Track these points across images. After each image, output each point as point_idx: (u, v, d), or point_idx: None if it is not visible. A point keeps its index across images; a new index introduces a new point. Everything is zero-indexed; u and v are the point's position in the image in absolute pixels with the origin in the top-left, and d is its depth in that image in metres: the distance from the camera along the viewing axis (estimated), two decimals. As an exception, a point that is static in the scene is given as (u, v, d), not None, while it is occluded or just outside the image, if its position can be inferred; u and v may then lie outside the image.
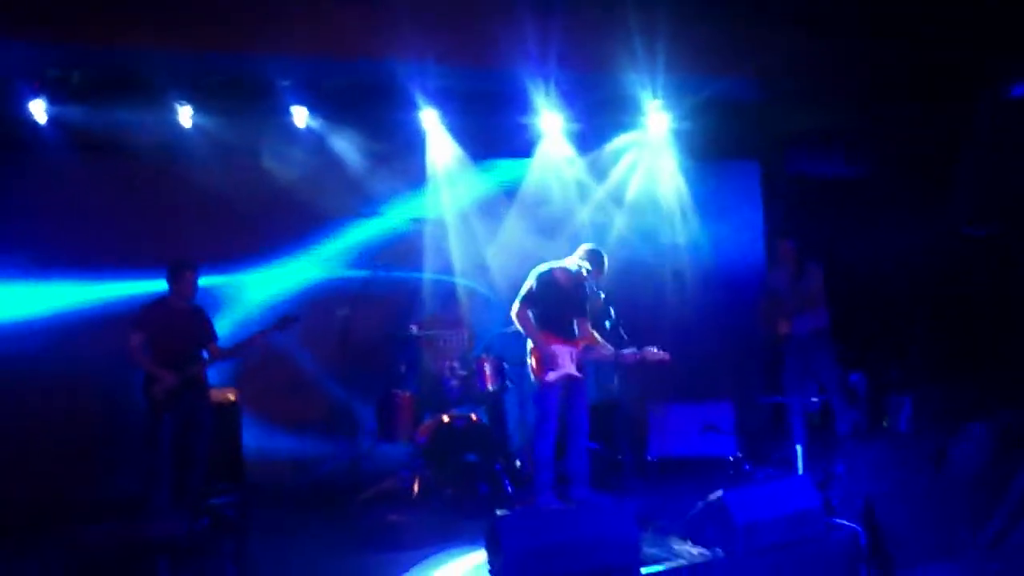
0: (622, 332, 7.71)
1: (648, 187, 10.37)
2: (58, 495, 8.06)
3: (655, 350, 7.41)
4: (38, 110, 8.05)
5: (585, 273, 7.46)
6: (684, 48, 8.27)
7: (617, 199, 10.32)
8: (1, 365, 8.29)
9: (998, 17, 8.17)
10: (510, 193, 10.06)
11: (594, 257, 7.52)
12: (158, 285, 7.74)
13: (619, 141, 10.10)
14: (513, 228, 9.91)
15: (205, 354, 7.57)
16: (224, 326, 8.28)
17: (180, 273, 7.50)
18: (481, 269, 9.73)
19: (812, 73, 8.86)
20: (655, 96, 9.06)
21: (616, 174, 10.30)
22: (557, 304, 7.43)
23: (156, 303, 7.60)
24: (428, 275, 9.62)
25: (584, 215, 10.13)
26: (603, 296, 7.68)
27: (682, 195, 10.45)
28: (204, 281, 7.73)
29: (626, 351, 7.43)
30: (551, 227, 9.89)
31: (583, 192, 10.19)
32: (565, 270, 7.47)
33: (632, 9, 7.99)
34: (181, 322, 7.51)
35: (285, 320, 7.59)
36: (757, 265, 10.64)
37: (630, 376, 8.92)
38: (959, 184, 9.16)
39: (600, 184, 10.25)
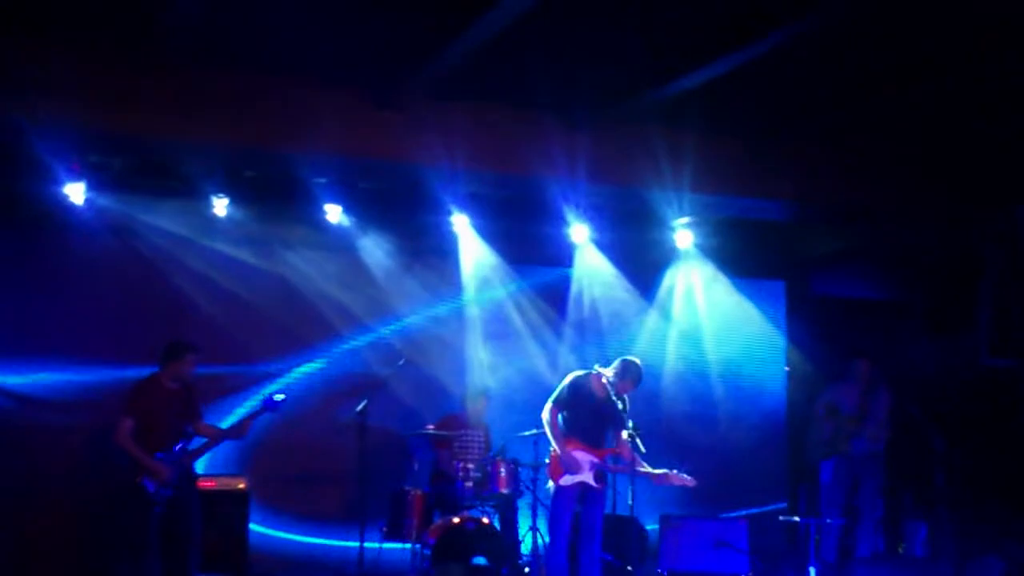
0: (640, 444, 7.69)
1: (683, 301, 10.48)
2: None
3: (683, 475, 7.40)
4: (75, 192, 8.20)
5: (615, 385, 7.43)
6: (710, 166, 8.36)
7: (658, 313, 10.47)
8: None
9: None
10: (547, 299, 10.20)
11: (631, 369, 7.51)
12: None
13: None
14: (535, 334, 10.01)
15: (190, 431, 7.46)
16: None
17: (181, 355, 7.42)
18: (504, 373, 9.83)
19: (838, 195, 8.93)
20: (681, 212, 9.16)
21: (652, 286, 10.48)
22: (587, 411, 7.44)
23: (146, 384, 7.48)
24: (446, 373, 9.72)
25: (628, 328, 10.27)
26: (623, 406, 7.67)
27: (711, 310, 10.55)
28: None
29: (655, 471, 7.40)
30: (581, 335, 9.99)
31: (625, 305, 10.30)
32: (600, 378, 7.46)
33: (659, 125, 8.10)
34: (169, 402, 7.39)
35: (272, 401, 7.51)
36: (778, 383, 10.65)
37: (644, 488, 8.90)
38: (982, 314, 9.15)
39: (639, 296, 10.40)
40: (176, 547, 7.25)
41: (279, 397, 7.54)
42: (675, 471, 7.39)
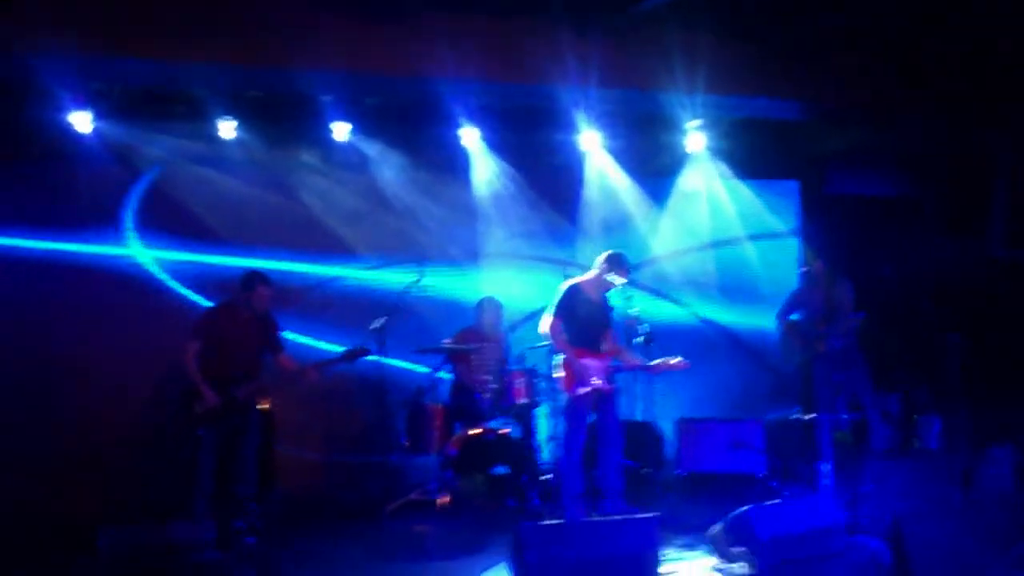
0: (655, 347, 7.77)
1: (692, 205, 10.45)
2: (94, 497, 8.23)
3: (677, 359, 7.47)
4: (82, 121, 8.22)
5: (610, 282, 7.51)
6: (723, 68, 8.28)
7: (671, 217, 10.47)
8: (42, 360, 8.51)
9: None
10: (558, 208, 10.19)
11: (617, 261, 7.54)
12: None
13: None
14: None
15: (268, 360, 7.64)
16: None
17: (253, 286, 7.53)
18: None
19: (852, 93, 8.84)
20: (693, 115, 9.08)
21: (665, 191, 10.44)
22: (586, 318, 7.50)
23: (220, 309, 7.67)
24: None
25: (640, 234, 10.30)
26: (638, 312, 7.70)
27: (722, 214, 10.51)
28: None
29: (651, 363, 7.51)
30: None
31: (637, 210, 10.31)
32: (591, 282, 7.54)
33: (672, 29, 8.01)
34: (244, 332, 7.53)
35: (356, 352, 7.68)
36: (793, 284, 10.64)
37: (662, 395, 9.01)
38: (995, 208, 9.11)
39: (651, 201, 10.38)
40: (229, 471, 7.43)
41: (367, 353, 7.69)
42: (670, 356, 7.45)
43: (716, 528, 6.13)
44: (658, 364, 7.47)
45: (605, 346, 7.61)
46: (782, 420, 9.10)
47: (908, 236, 10.21)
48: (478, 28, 7.78)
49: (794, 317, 9.08)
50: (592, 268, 7.63)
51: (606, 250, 7.68)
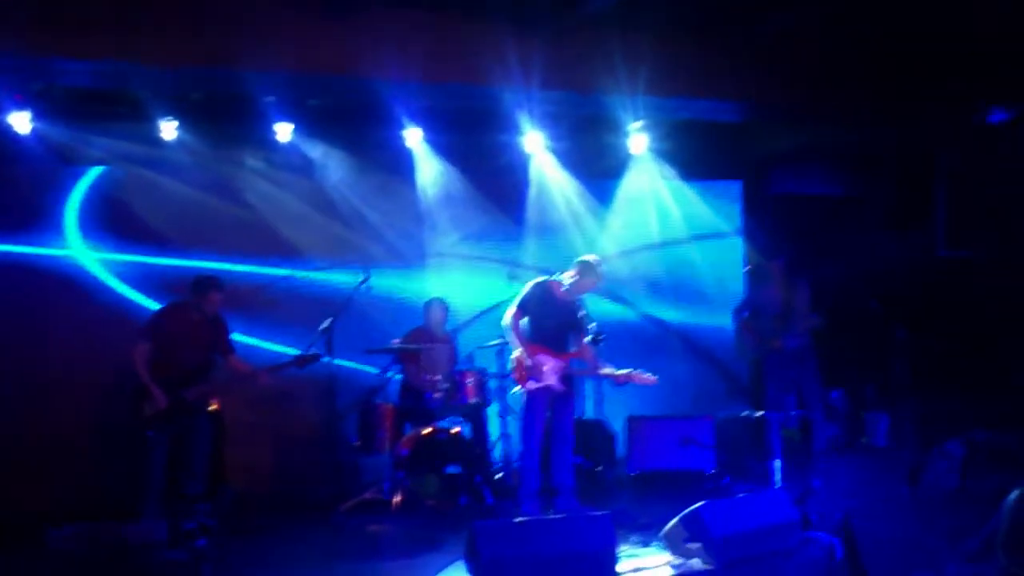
0: (603, 347, 7.81)
1: (637, 206, 10.52)
2: (41, 497, 8.12)
3: (645, 373, 7.48)
4: (20, 122, 8.08)
5: (580, 287, 7.53)
6: (664, 69, 8.30)
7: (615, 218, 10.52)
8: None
9: (981, 45, 8.30)
10: (503, 209, 10.20)
11: (588, 269, 7.57)
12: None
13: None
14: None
15: (218, 362, 7.62)
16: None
17: (206, 291, 7.54)
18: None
19: (793, 94, 8.94)
20: (635, 116, 9.13)
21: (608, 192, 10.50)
22: (549, 316, 7.52)
23: (168, 310, 7.64)
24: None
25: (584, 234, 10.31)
26: (586, 311, 7.72)
27: (667, 214, 10.60)
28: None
29: (617, 371, 7.49)
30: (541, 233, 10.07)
31: (583, 214, 10.35)
32: (561, 284, 7.56)
33: (613, 30, 8.04)
34: (193, 333, 7.52)
35: (306, 358, 7.68)
36: (737, 283, 10.78)
37: (611, 393, 9.04)
38: (936, 208, 9.29)
39: (595, 202, 10.44)
40: (179, 472, 7.41)
41: (319, 355, 7.72)
42: (637, 370, 7.47)
43: (670, 525, 6.17)
44: (625, 375, 7.46)
45: (574, 349, 7.61)
46: (732, 418, 9.18)
47: (852, 234, 10.37)
48: (420, 27, 7.72)
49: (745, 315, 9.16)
50: (567, 271, 7.61)
51: (553, 250, 7.72)
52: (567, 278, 7.55)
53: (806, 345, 8.69)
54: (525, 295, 7.52)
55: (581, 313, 7.58)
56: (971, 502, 6.80)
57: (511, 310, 7.50)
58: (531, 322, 7.51)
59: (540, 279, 7.66)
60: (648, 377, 7.45)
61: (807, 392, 8.73)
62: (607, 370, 7.55)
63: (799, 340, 8.65)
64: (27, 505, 7.96)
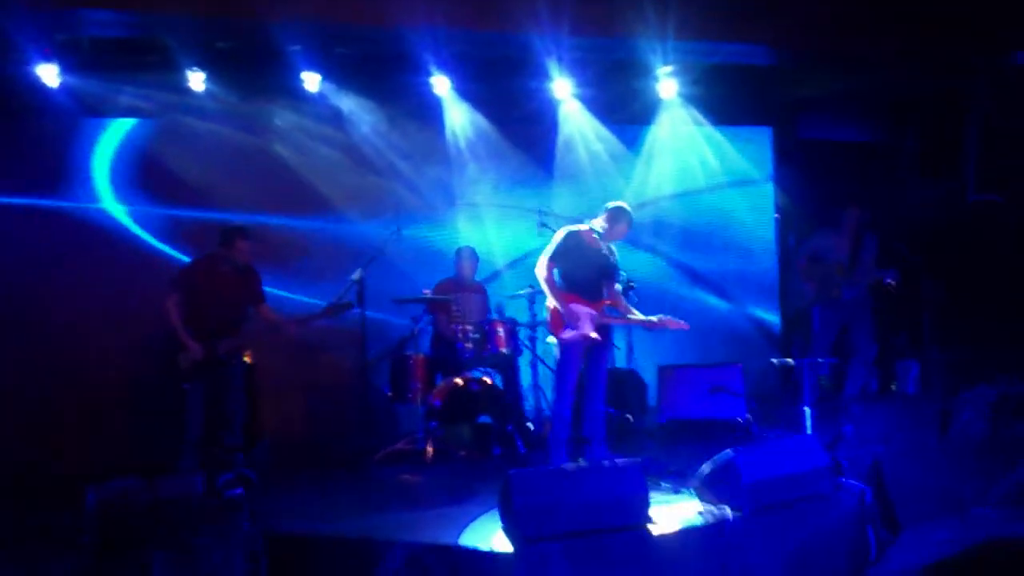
0: (633, 295, 7.79)
1: (666, 152, 10.45)
2: (79, 453, 8.25)
3: (677, 319, 7.46)
4: (48, 75, 8.09)
5: (611, 233, 7.48)
6: (695, 12, 8.22)
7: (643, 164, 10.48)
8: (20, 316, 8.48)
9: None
10: (532, 157, 10.18)
11: (619, 215, 7.49)
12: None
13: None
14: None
15: (250, 312, 7.65)
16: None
17: (233, 241, 7.52)
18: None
19: (824, 38, 8.83)
20: (665, 61, 9.04)
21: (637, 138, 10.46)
22: (582, 265, 7.44)
23: (199, 262, 7.63)
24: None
25: (613, 181, 10.29)
26: (616, 260, 7.67)
27: (697, 160, 10.54)
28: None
29: (650, 317, 7.43)
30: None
31: (612, 160, 10.31)
32: (592, 231, 7.50)
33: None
34: (224, 285, 7.52)
35: (338, 306, 7.69)
36: (768, 229, 10.73)
37: (642, 342, 9.05)
38: (968, 151, 9.17)
39: (624, 148, 10.40)
40: (216, 424, 7.44)
41: (351, 303, 7.73)
42: (668, 316, 7.46)
43: (700, 471, 6.19)
44: (659, 320, 7.42)
45: (607, 295, 7.58)
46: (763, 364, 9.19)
47: (882, 181, 10.28)
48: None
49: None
50: (596, 217, 7.56)
51: (582, 198, 7.68)
52: (598, 224, 7.48)
53: (863, 296, 8.67)
54: (557, 245, 7.45)
55: (613, 259, 7.54)
56: (999, 449, 6.78)
57: (543, 261, 7.43)
58: (563, 272, 7.44)
59: (571, 228, 7.57)
60: (679, 322, 7.44)
61: (856, 341, 8.71)
62: (638, 317, 7.52)
63: (857, 291, 8.64)
64: (67, 463, 8.07)
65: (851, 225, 8.84)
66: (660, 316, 7.39)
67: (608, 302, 7.55)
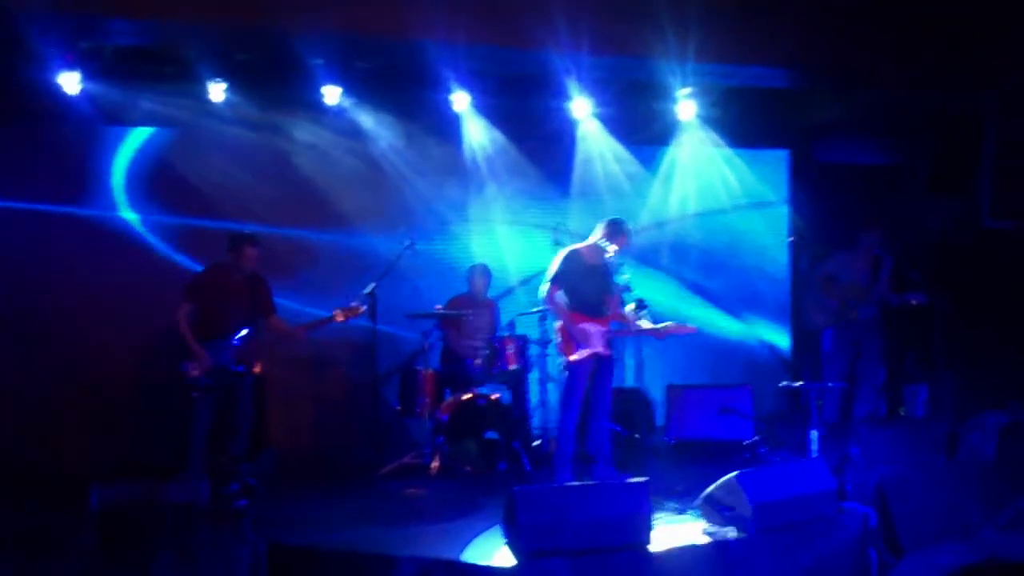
0: (647, 314, 7.78)
1: (684, 173, 10.48)
2: (86, 456, 8.28)
3: (682, 324, 7.47)
4: (69, 82, 8.14)
5: (609, 249, 7.50)
6: (714, 35, 8.21)
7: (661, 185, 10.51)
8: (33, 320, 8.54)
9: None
10: (550, 175, 10.20)
11: (617, 228, 7.53)
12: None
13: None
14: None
15: (260, 323, 7.68)
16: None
17: (241, 247, 7.55)
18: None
19: (841, 59, 8.83)
20: (684, 83, 9.07)
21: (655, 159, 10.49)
22: (585, 283, 7.50)
23: (210, 271, 7.68)
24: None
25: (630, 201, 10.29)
26: (627, 276, 7.65)
27: (714, 182, 10.54)
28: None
29: (656, 326, 7.42)
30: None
31: (629, 180, 10.34)
32: (590, 248, 7.54)
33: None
34: (234, 293, 7.56)
35: (347, 310, 7.73)
36: (782, 252, 10.72)
37: (651, 361, 9.04)
38: (982, 176, 9.14)
39: (642, 168, 10.43)
40: (223, 433, 7.50)
41: (361, 307, 7.75)
42: (674, 322, 7.45)
43: (706, 492, 6.18)
44: (666, 327, 7.42)
45: (608, 311, 7.60)
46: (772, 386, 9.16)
47: (897, 203, 10.25)
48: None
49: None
50: (592, 234, 7.60)
51: (598, 217, 7.68)
52: (597, 238, 7.53)
53: (877, 318, 8.68)
54: (559, 268, 7.49)
55: (614, 275, 7.54)
56: (1007, 473, 6.74)
57: (546, 285, 7.49)
58: (568, 291, 7.48)
59: (570, 248, 7.63)
60: (686, 327, 7.46)
61: (865, 363, 8.73)
62: (647, 325, 7.52)
63: (872, 311, 8.65)
64: (72, 464, 8.09)
65: (868, 247, 8.88)
66: (667, 324, 7.40)
67: (614, 316, 7.58)
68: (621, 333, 7.73)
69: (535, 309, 8.54)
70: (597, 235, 7.54)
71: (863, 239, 8.98)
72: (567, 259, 7.52)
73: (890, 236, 9.02)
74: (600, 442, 7.55)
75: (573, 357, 7.40)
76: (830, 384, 8.65)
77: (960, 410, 8.44)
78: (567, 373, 7.51)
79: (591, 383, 7.52)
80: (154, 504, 5.80)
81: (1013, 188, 8.98)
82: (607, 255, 7.43)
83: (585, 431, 7.58)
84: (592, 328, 7.46)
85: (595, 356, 7.45)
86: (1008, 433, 7.57)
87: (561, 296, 7.49)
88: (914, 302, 8.49)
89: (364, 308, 7.86)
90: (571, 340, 7.43)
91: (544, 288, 7.52)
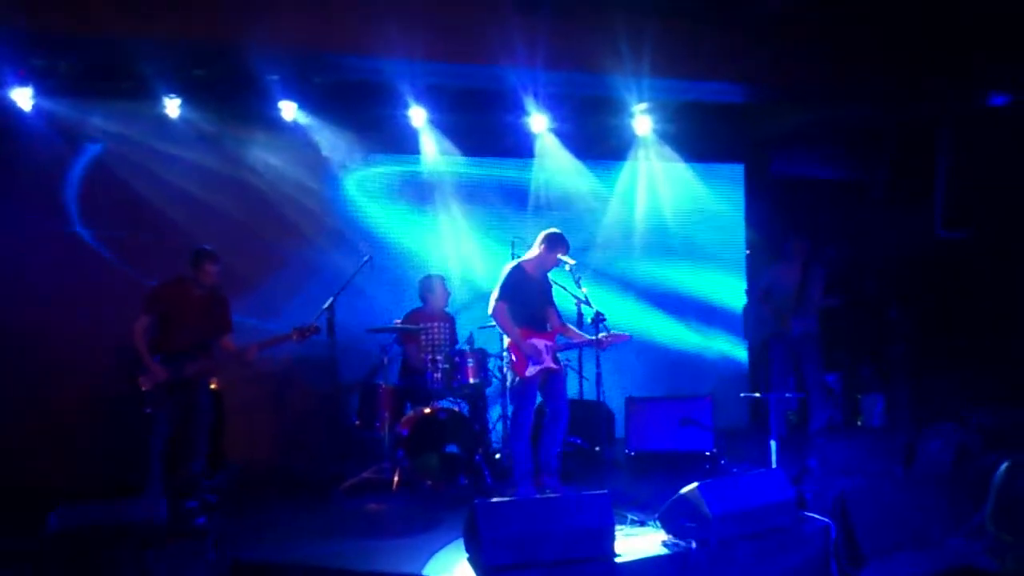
0: (604, 327, 7.82)
1: (642, 187, 10.56)
2: (42, 476, 8.19)
3: (618, 332, 7.50)
4: (22, 98, 8.08)
5: (549, 261, 7.55)
6: (669, 51, 8.30)
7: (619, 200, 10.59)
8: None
9: (981, 26, 8.30)
10: (507, 191, 10.27)
11: (555, 240, 7.57)
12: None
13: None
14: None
15: (216, 343, 7.60)
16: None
17: (201, 263, 7.49)
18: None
19: (796, 76, 8.93)
20: (640, 98, 9.13)
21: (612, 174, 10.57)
22: (530, 298, 7.54)
23: (172, 283, 7.58)
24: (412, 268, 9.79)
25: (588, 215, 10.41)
26: (586, 293, 7.65)
27: (670, 196, 10.62)
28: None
29: (596, 336, 7.42)
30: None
31: (587, 195, 10.42)
32: (532, 262, 7.60)
33: (619, 11, 8.04)
34: (193, 308, 7.49)
35: (305, 330, 7.66)
36: (739, 266, 10.81)
37: (611, 374, 9.05)
38: (937, 188, 9.28)
39: (599, 184, 10.53)
40: (180, 450, 7.41)
41: (317, 327, 7.70)
42: (612, 331, 7.46)
43: (667, 504, 6.20)
44: (604, 337, 7.44)
45: (550, 324, 7.65)
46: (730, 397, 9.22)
47: (851, 216, 10.38)
48: (425, 5, 7.73)
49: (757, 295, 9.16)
50: (532, 248, 7.65)
51: (549, 230, 7.70)
52: (536, 252, 7.57)
53: (812, 329, 8.74)
54: (505, 282, 7.50)
55: (550, 287, 7.66)
56: (965, 482, 6.82)
57: (495, 301, 7.50)
58: (514, 307, 7.49)
59: (513, 263, 7.67)
60: (622, 335, 7.51)
61: (808, 374, 8.77)
62: (585, 337, 7.61)
63: (806, 323, 8.70)
64: (28, 484, 8.00)
65: (798, 256, 8.93)
66: (604, 333, 7.43)
67: (558, 329, 7.63)
68: (567, 346, 7.79)
69: (494, 323, 8.54)
70: (536, 249, 7.59)
71: (792, 248, 9.04)
72: (512, 273, 7.55)
73: (828, 245, 9.11)
74: (549, 453, 7.55)
75: (528, 373, 7.42)
76: (789, 395, 8.73)
77: (917, 419, 8.53)
78: (519, 389, 7.52)
79: (544, 397, 7.55)
80: (113, 524, 5.74)
81: (965, 200, 9.12)
82: (555, 266, 7.48)
83: (538, 444, 7.58)
84: (541, 343, 7.49)
85: (544, 371, 7.48)
86: (964, 442, 7.66)
87: (508, 311, 7.49)
88: (831, 304, 8.62)
89: (320, 328, 7.80)
90: (522, 356, 7.44)
91: (492, 303, 7.52)
